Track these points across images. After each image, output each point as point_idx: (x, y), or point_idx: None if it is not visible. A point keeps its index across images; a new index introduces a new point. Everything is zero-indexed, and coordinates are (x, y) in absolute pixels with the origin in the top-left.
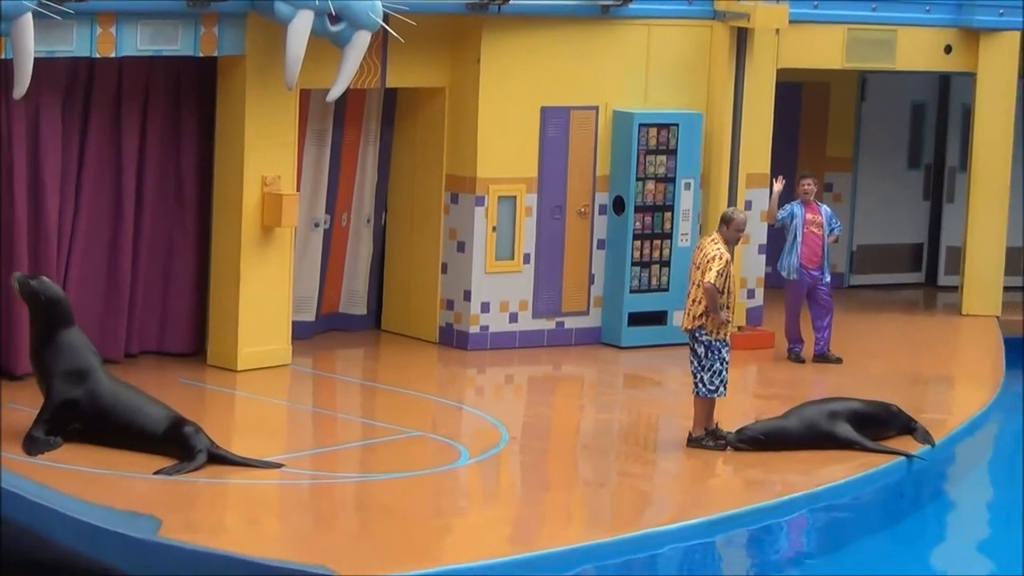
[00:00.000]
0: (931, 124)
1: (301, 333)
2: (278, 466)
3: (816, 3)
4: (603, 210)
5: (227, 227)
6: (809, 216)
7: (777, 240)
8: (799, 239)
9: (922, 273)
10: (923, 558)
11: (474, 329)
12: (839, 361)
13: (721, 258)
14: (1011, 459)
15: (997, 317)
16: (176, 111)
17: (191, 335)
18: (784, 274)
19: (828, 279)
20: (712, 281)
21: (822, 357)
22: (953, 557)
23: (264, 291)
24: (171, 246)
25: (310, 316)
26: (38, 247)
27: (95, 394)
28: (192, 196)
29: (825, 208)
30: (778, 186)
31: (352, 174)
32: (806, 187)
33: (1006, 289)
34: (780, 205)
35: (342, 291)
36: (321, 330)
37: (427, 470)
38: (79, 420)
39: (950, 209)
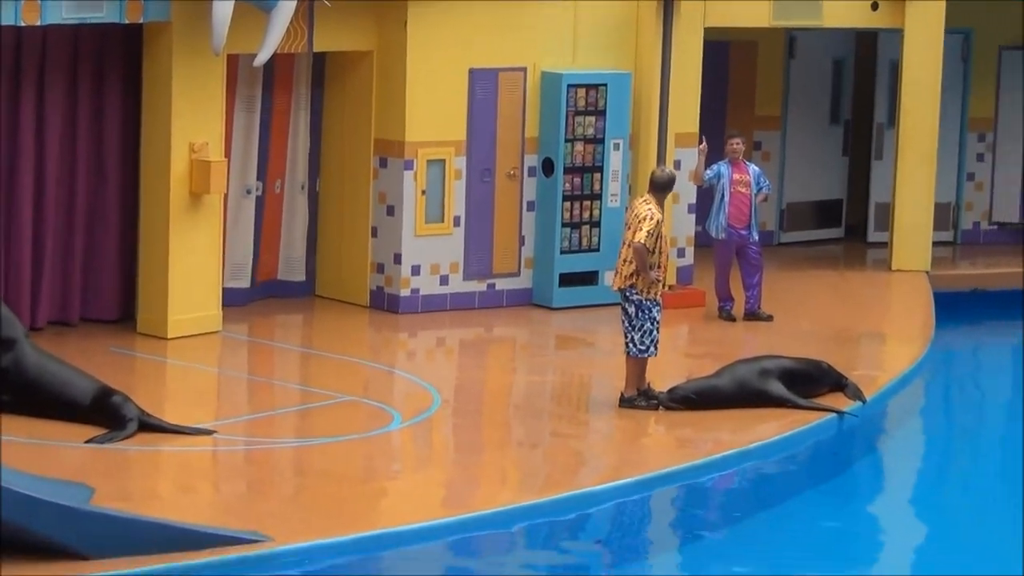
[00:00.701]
0: (849, 80)
1: (236, 300)
2: (209, 432)
3: None
4: (532, 172)
5: (155, 194)
6: (736, 176)
7: (707, 199)
8: (726, 199)
9: (841, 228)
10: (854, 514)
11: (405, 292)
12: (770, 319)
13: (652, 218)
14: (942, 414)
15: (927, 272)
16: (102, 79)
17: (120, 303)
18: (712, 233)
19: (756, 238)
20: (642, 241)
21: (753, 315)
22: (885, 512)
23: (194, 258)
24: (98, 213)
25: (245, 283)
26: None
27: (21, 365)
28: (118, 163)
29: (753, 167)
30: (702, 147)
31: (284, 140)
32: (734, 146)
33: (935, 244)
34: (707, 165)
35: (279, 258)
36: (259, 297)
37: (360, 435)
38: (5, 391)
39: (879, 165)
